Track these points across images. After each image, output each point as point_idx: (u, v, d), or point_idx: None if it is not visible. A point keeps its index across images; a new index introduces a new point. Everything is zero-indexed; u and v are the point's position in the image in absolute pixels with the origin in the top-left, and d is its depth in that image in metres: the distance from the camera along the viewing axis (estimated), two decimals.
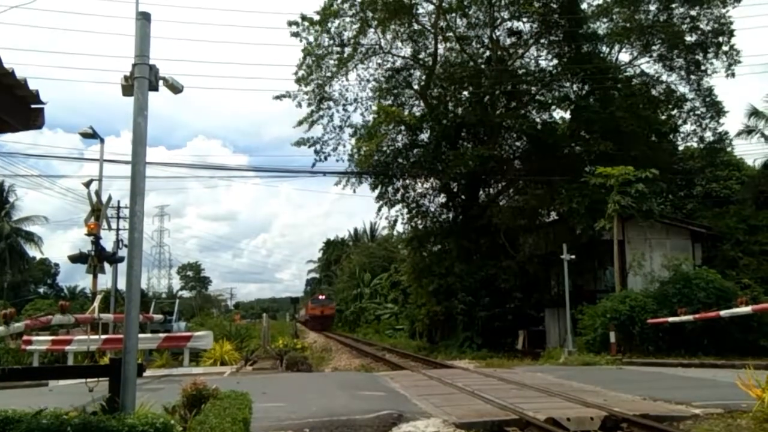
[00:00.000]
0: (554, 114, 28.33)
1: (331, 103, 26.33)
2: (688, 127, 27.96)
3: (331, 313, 62.27)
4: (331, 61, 25.24)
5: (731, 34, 25.17)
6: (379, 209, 27.85)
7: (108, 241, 22.25)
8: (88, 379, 6.18)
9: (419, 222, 28.83)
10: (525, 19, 24.95)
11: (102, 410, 5.56)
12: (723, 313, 14.63)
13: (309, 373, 14.85)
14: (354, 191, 27.55)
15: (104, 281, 23.09)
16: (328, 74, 25.45)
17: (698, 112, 27.17)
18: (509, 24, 25.99)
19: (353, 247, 70.15)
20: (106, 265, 17.04)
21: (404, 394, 9.74)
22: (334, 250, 76.28)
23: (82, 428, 4.20)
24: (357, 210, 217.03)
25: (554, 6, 24.63)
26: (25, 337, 16.41)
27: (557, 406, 8.24)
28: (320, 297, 65.07)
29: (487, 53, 26.50)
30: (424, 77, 26.92)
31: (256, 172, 63.50)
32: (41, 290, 61.68)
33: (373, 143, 23.59)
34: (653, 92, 27.34)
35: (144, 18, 6.39)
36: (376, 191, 26.97)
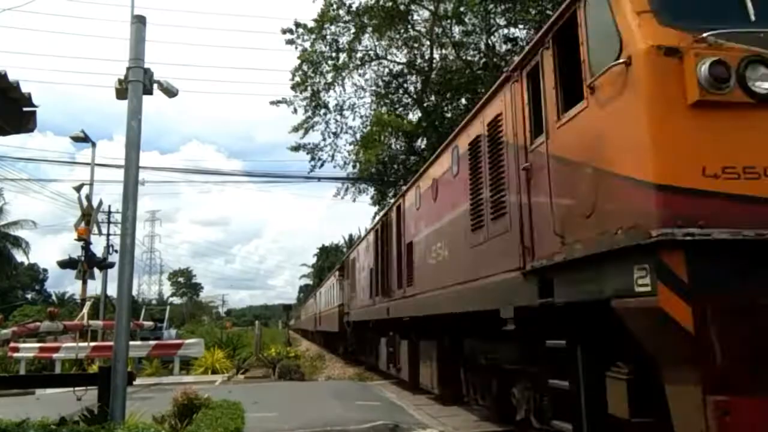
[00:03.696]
0: None
1: (327, 110, 26.31)
2: None
3: None
4: (327, 67, 25.24)
5: None
6: (375, 216, 27.85)
7: (98, 247, 22.06)
8: (77, 388, 6.06)
9: None
10: (521, 26, 25.06)
11: (92, 419, 5.44)
12: None
13: (302, 382, 14.67)
14: (354, 200, 27.56)
15: (94, 287, 22.85)
16: (324, 81, 25.44)
17: None
18: (505, 31, 26.09)
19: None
20: (96, 271, 16.84)
21: (400, 405, 9.62)
22: (328, 256, 75.98)
23: None
24: (352, 216, 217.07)
25: (550, 14, 24.71)
26: (12, 344, 16.16)
27: None
28: None
29: (484, 60, 26.59)
30: (419, 84, 26.98)
31: (249, 177, 63.15)
32: (29, 296, 61.04)
33: (372, 153, 23.56)
34: None
35: (139, 21, 6.33)
36: (371, 193, 27.12)
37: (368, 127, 25.59)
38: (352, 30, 24.61)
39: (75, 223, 15.61)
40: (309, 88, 25.32)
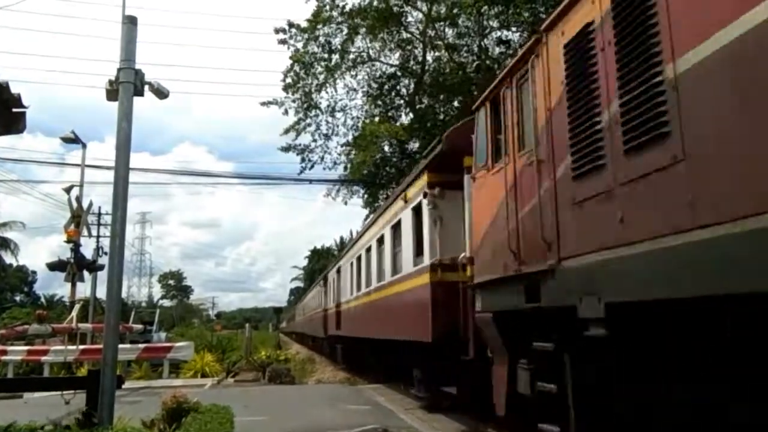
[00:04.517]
0: None
1: (318, 112, 26.28)
2: None
3: None
4: (319, 68, 25.22)
5: None
6: (367, 218, 27.85)
7: (88, 249, 21.88)
8: (65, 392, 6.00)
9: None
10: (514, 29, 25.17)
11: (78, 424, 5.38)
12: None
13: (292, 386, 14.62)
14: (345, 203, 27.51)
15: (83, 289, 22.66)
16: (316, 82, 25.41)
17: None
18: (498, 33, 26.19)
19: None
20: (86, 273, 16.71)
21: (390, 408, 9.59)
22: (319, 258, 75.83)
23: None
24: (343, 218, 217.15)
25: (543, 16, 24.82)
26: None
27: None
28: None
29: (477, 62, 26.69)
30: (412, 86, 27.02)
31: (240, 179, 62.53)
32: (18, 298, 60.48)
33: (366, 154, 23.55)
34: None
35: (130, 22, 6.29)
36: (363, 197, 27.13)
37: (360, 130, 25.58)
38: (345, 31, 24.62)
39: (64, 224, 15.44)
40: (301, 89, 25.30)
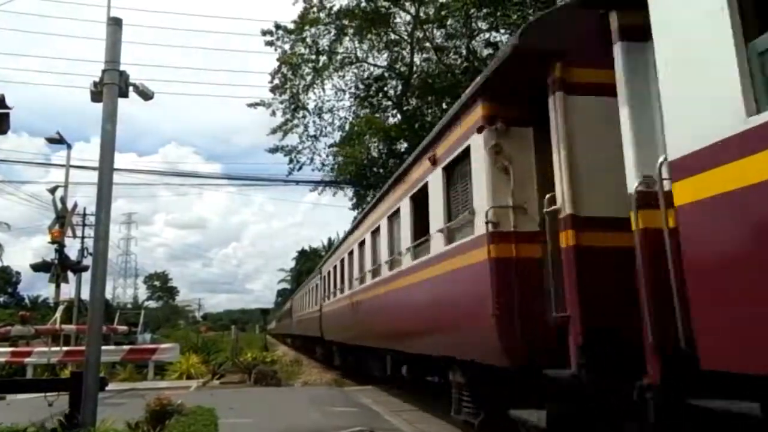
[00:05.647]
0: None
1: (306, 113, 26.28)
2: None
3: None
4: (307, 70, 25.22)
5: None
6: (355, 219, 27.91)
7: (72, 249, 21.69)
8: (48, 394, 5.97)
9: None
10: (502, 31, 25.31)
11: (61, 426, 5.36)
12: None
13: (278, 388, 14.56)
14: (334, 194, 27.70)
15: (68, 291, 22.46)
16: (303, 83, 25.41)
17: None
18: (487, 35, 26.34)
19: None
20: (70, 274, 16.57)
21: (376, 410, 9.61)
22: (306, 260, 75.66)
23: None
24: (331, 220, 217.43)
25: (532, 18, 24.92)
26: None
27: None
28: None
29: (465, 64, 26.80)
30: (400, 87, 27.09)
31: (228, 180, 61.88)
32: (1, 299, 59.79)
33: (355, 150, 23.57)
34: None
35: (115, 24, 6.28)
36: (351, 199, 27.22)
37: (349, 127, 25.62)
38: (333, 32, 24.64)
39: (49, 225, 15.30)
40: (288, 90, 25.29)
